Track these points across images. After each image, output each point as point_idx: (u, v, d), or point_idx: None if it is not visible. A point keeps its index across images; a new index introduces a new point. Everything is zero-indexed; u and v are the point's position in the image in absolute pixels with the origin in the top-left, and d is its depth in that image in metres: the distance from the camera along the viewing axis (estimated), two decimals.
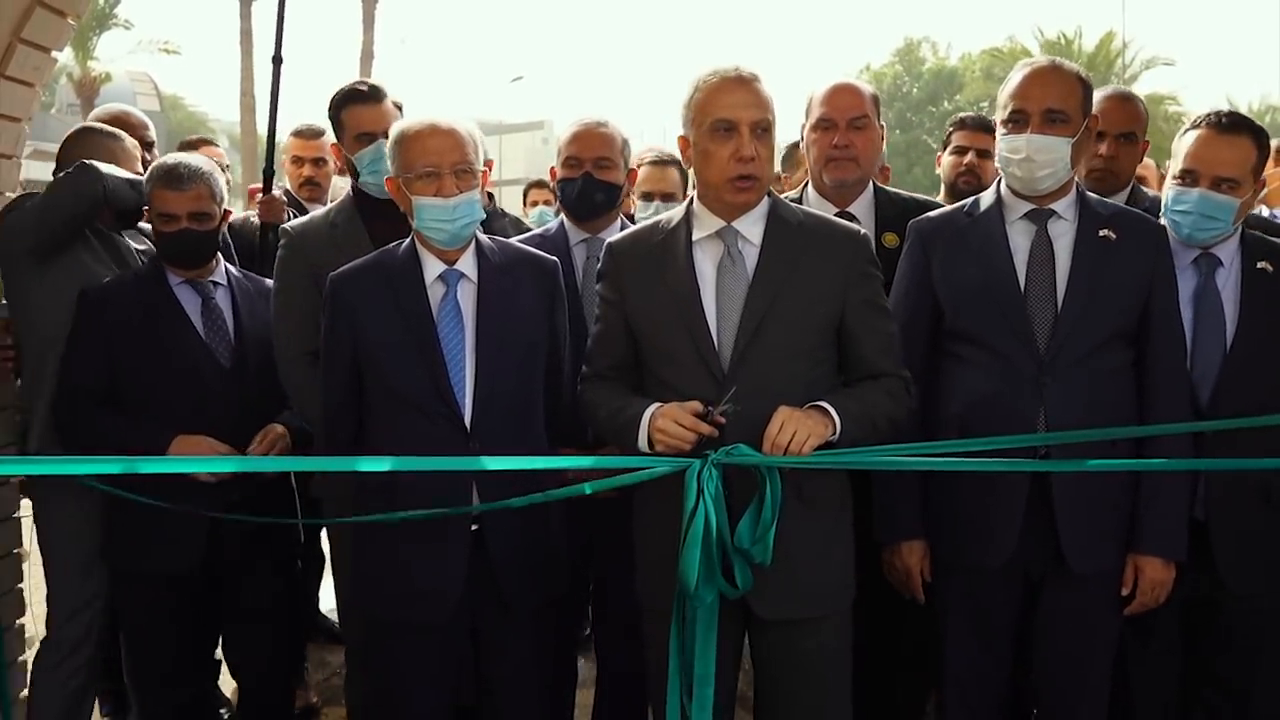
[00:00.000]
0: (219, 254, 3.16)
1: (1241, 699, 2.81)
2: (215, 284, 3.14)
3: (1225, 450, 2.62)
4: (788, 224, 2.47)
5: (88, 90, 26.24)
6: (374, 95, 3.18)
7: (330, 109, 3.22)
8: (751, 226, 2.46)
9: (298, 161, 4.72)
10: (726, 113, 2.36)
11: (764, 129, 2.37)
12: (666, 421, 2.31)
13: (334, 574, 3.29)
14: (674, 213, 2.56)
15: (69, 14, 3.45)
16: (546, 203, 6.60)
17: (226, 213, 3.17)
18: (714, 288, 2.43)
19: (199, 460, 2.87)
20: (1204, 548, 2.66)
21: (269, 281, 3.21)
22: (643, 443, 2.36)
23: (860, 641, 2.56)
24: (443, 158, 2.55)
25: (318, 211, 3.37)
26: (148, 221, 3.11)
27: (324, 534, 3.81)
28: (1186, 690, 2.85)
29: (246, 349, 3.09)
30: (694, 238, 2.47)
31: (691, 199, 2.53)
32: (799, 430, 2.25)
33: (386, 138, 3.05)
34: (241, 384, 3.06)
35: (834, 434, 2.31)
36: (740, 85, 2.38)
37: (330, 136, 3.49)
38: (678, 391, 2.39)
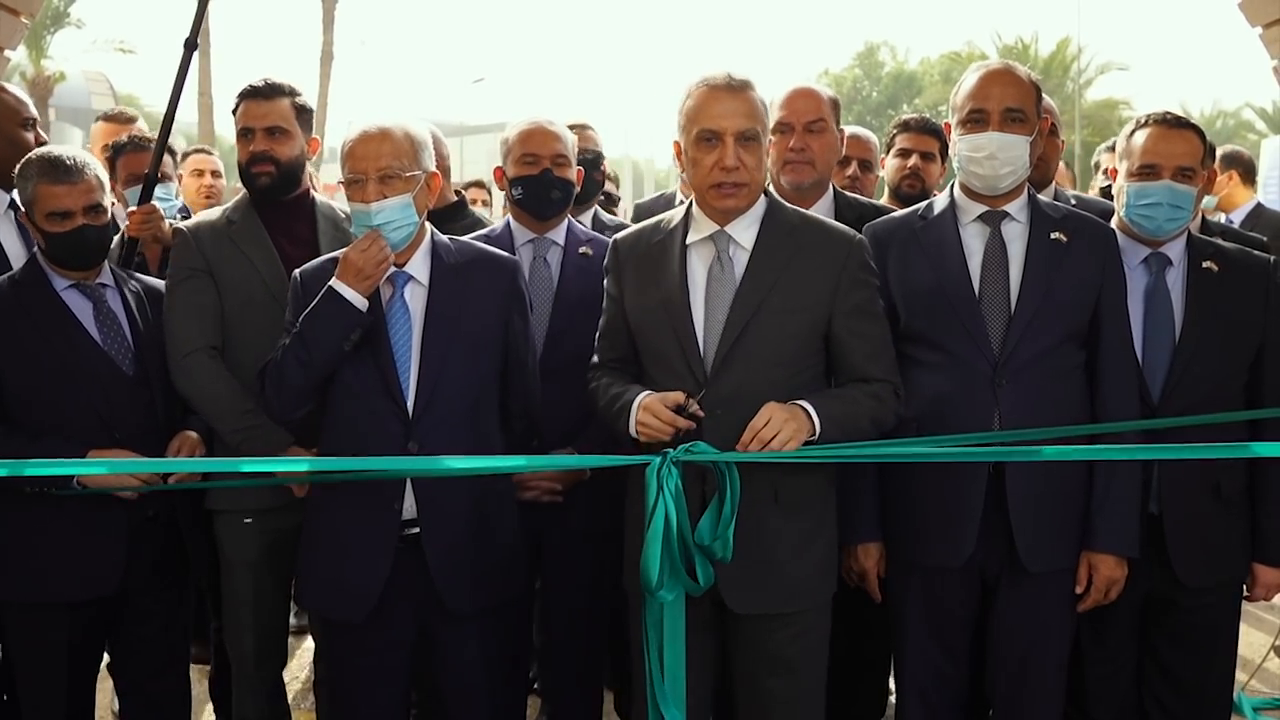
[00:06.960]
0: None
1: (1195, 697, 2.84)
2: (104, 286, 2.87)
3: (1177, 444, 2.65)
4: (782, 228, 2.50)
5: (41, 89, 25.77)
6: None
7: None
8: (744, 231, 2.48)
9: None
10: (711, 123, 2.40)
11: (749, 137, 2.41)
12: (647, 415, 2.37)
13: None
14: (675, 213, 2.60)
15: (22, 12, 3.42)
16: (485, 203, 6.50)
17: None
18: (703, 292, 2.46)
19: (123, 462, 2.69)
20: (1159, 542, 2.70)
21: (153, 281, 3.05)
22: (633, 429, 2.41)
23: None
24: (366, 164, 2.54)
25: (212, 211, 3.21)
26: (28, 221, 2.81)
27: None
28: (1141, 688, 2.88)
29: (146, 353, 2.86)
30: (688, 240, 2.50)
31: (691, 202, 2.55)
32: (783, 430, 2.29)
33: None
34: (147, 391, 2.84)
35: (814, 434, 2.34)
36: (728, 95, 2.41)
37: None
38: (664, 390, 2.42)
